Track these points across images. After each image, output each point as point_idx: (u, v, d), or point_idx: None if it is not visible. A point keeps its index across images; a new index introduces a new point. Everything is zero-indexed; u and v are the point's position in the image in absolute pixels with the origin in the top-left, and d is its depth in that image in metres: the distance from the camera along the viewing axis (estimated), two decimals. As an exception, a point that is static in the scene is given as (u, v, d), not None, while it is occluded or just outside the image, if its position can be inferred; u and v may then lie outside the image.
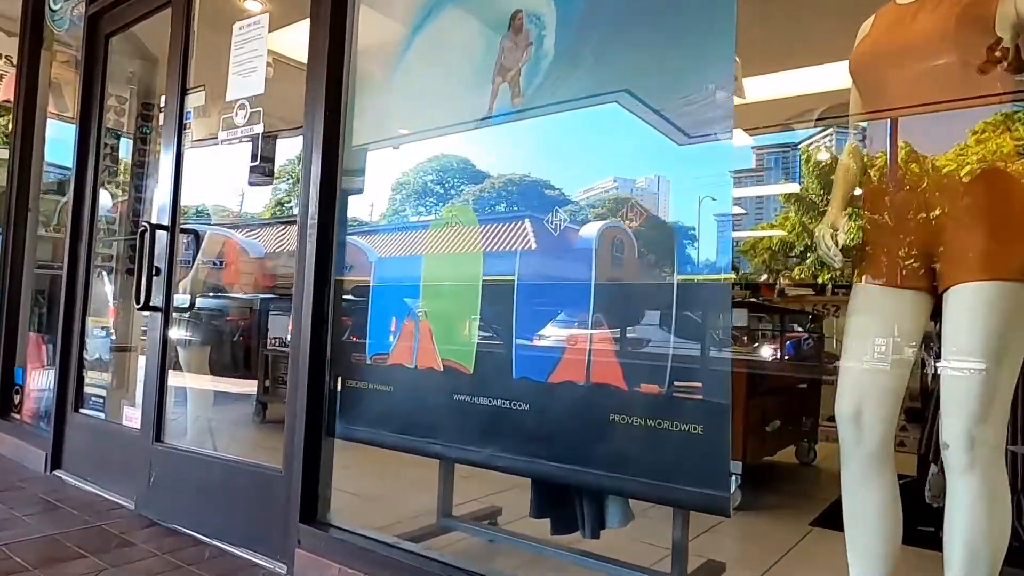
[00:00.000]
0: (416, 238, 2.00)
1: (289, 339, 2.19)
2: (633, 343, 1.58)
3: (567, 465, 1.56)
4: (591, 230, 1.62)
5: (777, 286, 5.98)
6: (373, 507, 2.45)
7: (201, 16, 2.69)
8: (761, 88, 3.83)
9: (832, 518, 2.58)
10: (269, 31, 2.37)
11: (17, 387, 3.57)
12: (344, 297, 2.13)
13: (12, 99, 3.75)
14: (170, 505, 2.43)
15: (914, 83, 1.47)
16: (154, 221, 2.63)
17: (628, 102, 1.59)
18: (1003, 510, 1.32)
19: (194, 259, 2.82)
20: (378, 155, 2.18)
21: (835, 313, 4.77)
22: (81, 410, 3.05)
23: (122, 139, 3.52)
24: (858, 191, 1.62)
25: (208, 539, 2.25)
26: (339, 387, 2.06)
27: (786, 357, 4.13)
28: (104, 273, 3.41)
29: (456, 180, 1.94)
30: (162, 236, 2.60)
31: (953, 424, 1.31)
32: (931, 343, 1.56)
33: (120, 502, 2.64)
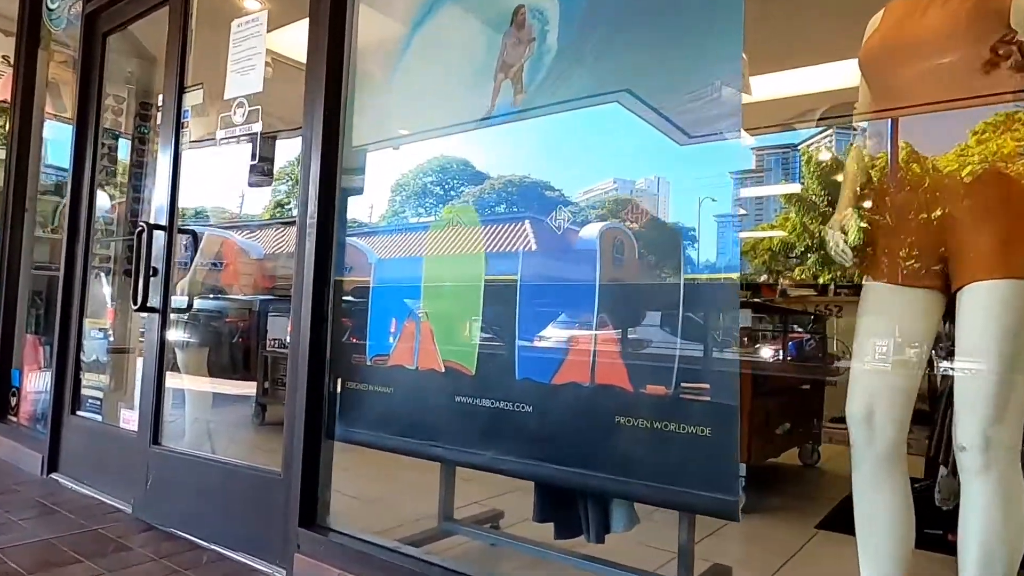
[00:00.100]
0: (417, 239, 1.98)
1: (288, 340, 2.16)
2: (638, 344, 1.56)
3: (571, 468, 1.54)
4: (592, 231, 1.59)
5: (779, 287, 5.96)
6: (373, 510, 2.42)
7: (199, 14, 2.67)
8: (761, 88, 3.81)
9: (838, 521, 2.55)
10: (268, 31, 2.35)
11: (14, 389, 3.55)
12: (344, 298, 2.10)
13: (9, 99, 3.72)
14: (168, 509, 2.40)
15: (925, 79, 1.45)
16: (152, 221, 2.60)
17: (630, 102, 1.56)
18: (1019, 511, 1.29)
19: (192, 260, 2.80)
20: (378, 155, 2.16)
21: (837, 314, 4.75)
22: (78, 412, 3.03)
23: (120, 139, 3.50)
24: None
25: (206, 543, 2.22)
26: (339, 389, 2.04)
27: (788, 358, 4.11)
28: (102, 274, 3.38)
29: (456, 180, 1.92)
30: (160, 236, 2.57)
31: (969, 425, 1.28)
32: (939, 343, 1.54)
33: (117, 505, 2.61)
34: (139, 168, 3.54)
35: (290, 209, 4.02)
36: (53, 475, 2.99)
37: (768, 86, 3.84)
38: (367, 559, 1.81)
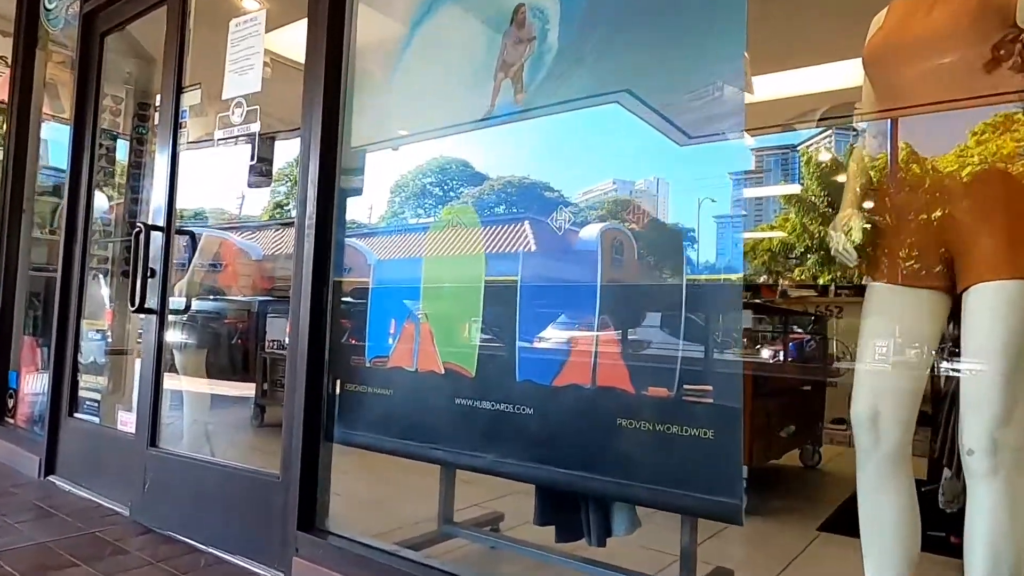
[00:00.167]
0: (416, 240, 1.96)
1: (287, 341, 2.14)
2: (640, 346, 1.54)
3: (573, 471, 1.52)
4: (591, 231, 1.58)
5: (779, 287, 5.95)
6: (373, 512, 2.41)
7: (197, 14, 2.66)
8: (760, 88, 3.80)
9: (839, 523, 2.54)
10: (267, 31, 2.33)
11: (11, 391, 3.53)
12: (343, 299, 2.09)
13: (6, 100, 3.71)
14: (165, 512, 2.38)
15: (927, 79, 1.44)
16: (149, 222, 2.59)
17: (630, 102, 1.55)
18: (1026, 513, 1.28)
19: (190, 261, 2.78)
20: (377, 156, 2.14)
21: (838, 314, 4.74)
22: (75, 414, 3.01)
23: (118, 140, 3.48)
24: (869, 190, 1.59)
25: (204, 547, 2.20)
26: (338, 390, 2.02)
27: (789, 359, 4.10)
28: (100, 275, 3.37)
29: (456, 181, 1.90)
30: (157, 238, 2.56)
31: (975, 427, 1.27)
32: (943, 344, 1.52)
33: (115, 508, 2.59)
34: (137, 169, 3.53)
35: (289, 210, 4.00)
36: (50, 477, 2.97)
37: (767, 86, 3.83)
38: (366, 563, 1.80)
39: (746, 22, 1.37)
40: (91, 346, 3.16)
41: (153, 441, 2.49)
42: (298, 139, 2.15)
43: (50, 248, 3.68)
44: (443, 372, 1.76)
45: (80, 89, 3.16)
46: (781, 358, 4.02)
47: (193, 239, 2.74)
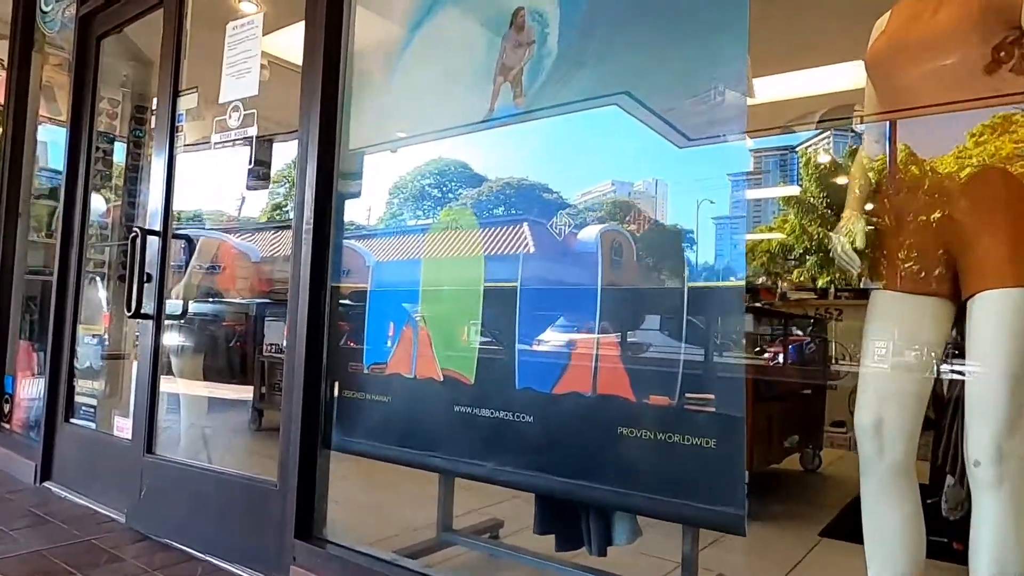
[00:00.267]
0: (414, 241, 1.95)
1: (285, 345, 2.12)
2: (640, 351, 1.53)
3: (573, 480, 1.50)
4: (590, 233, 1.56)
5: (778, 290, 5.94)
6: (371, 519, 2.39)
7: (194, 17, 2.64)
8: (759, 90, 3.79)
9: (841, 528, 2.52)
10: (265, 33, 2.32)
11: (7, 396, 3.50)
12: (341, 301, 2.06)
13: (2, 103, 3.69)
14: (162, 519, 2.36)
15: (928, 81, 1.43)
16: (146, 226, 2.57)
17: (630, 105, 1.54)
18: (1032, 523, 1.26)
19: (187, 265, 2.76)
20: (376, 158, 2.13)
21: (838, 317, 4.73)
22: (72, 420, 2.99)
23: (116, 143, 3.46)
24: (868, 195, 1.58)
25: (201, 555, 2.18)
26: (336, 397, 2.00)
27: (789, 362, 4.08)
28: (97, 278, 3.35)
29: (454, 183, 1.89)
30: (154, 242, 2.54)
31: (982, 436, 1.25)
32: (947, 348, 1.51)
33: (111, 515, 2.57)
34: (134, 172, 3.51)
35: (287, 211, 3.98)
36: (46, 483, 2.95)
37: (766, 88, 3.82)
38: (364, 572, 1.78)
39: (748, 24, 1.35)
40: (87, 351, 3.14)
41: (149, 448, 2.47)
42: (296, 140, 2.13)
43: (47, 251, 3.66)
44: (442, 379, 1.74)
45: (76, 92, 3.15)
46: (781, 361, 4.01)
47: (190, 243, 2.72)
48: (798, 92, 3.94)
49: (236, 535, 2.12)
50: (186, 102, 2.54)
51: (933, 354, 1.39)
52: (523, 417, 1.58)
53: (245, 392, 4.23)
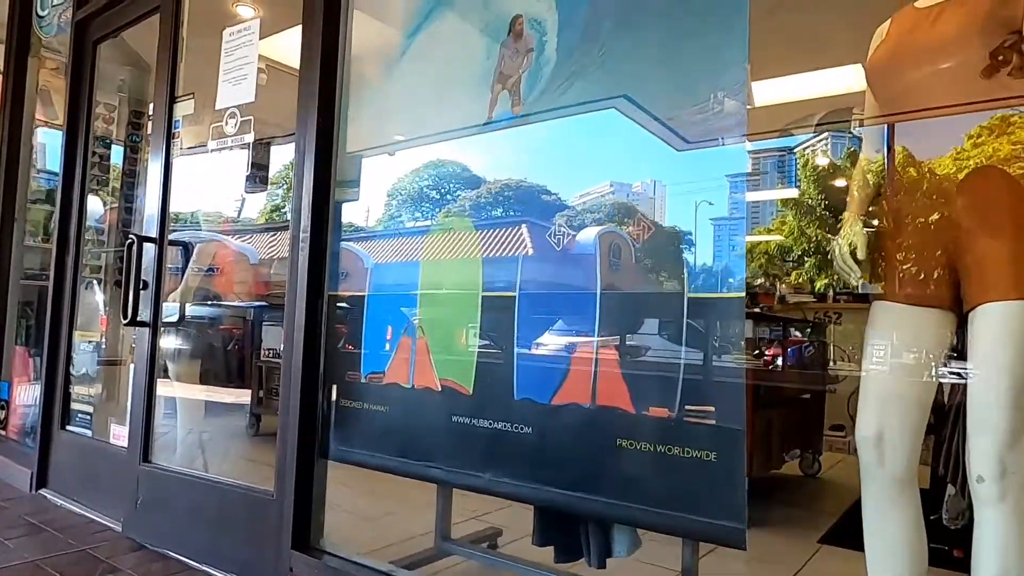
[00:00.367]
0: (412, 244, 1.93)
1: (282, 351, 2.11)
2: (639, 351, 1.51)
3: (572, 492, 1.49)
4: (588, 235, 1.55)
5: (776, 293, 5.93)
6: (369, 527, 2.37)
7: (191, 22, 2.62)
8: (758, 93, 3.79)
9: (841, 535, 2.51)
10: (263, 37, 2.30)
11: (2, 402, 3.48)
12: (339, 305, 2.05)
13: (-2, 106, 3.67)
14: (158, 528, 2.34)
15: (930, 82, 1.42)
16: (142, 233, 2.55)
17: (628, 108, 1.53)
18: (1035, 538, 1.25)
19: (183, 271, 2.74)
20: (374, 161, 2.11)
21: (836, 321, 4.73)
22: (68, 427, 2.97)
23: (113, 147, 3.44)
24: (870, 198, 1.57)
25: (197, 564, 2.17)
26: (333, 404, 1.99)
27: (788, 366, 4.07)
28: (94, 283, 3.33)
29: (452, 185, 1.88)
30: (150, 249, 2.52)
31: (985, 450, 1.24)
32: (948, 356, 1.50)
33: (107, 523, 2.55)
34: (131, 177, 3.49)
35: (286, 213, 3.97)
36: (42, 491, 2.93)
37: (764, 91, 3.82)
38: (362, 583, 1.76)
39: (748, 31, 1.34)
40: (84, 356, 3.12)
41: (146, 456, 2.45)
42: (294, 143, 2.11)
43: (43, 256, 3.64)
44: (440, 389, 1.73)
45: (72, 97, 3.13)
46: (780, 365, 4.00)
47: (187, 250, 2.70)
48: (797, 95, 3.94)
49: (233, 545, 2.11)
50: (182, 108, 2.52)
51: (934, 366, 1.38)
52: (522, 428, 1.57)
53: (243, 396, 4.22)
